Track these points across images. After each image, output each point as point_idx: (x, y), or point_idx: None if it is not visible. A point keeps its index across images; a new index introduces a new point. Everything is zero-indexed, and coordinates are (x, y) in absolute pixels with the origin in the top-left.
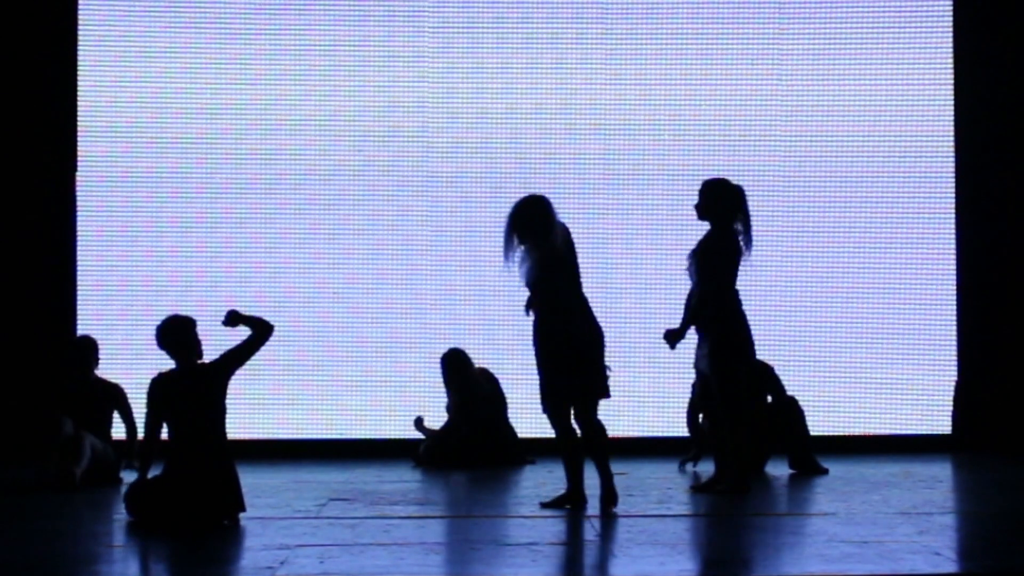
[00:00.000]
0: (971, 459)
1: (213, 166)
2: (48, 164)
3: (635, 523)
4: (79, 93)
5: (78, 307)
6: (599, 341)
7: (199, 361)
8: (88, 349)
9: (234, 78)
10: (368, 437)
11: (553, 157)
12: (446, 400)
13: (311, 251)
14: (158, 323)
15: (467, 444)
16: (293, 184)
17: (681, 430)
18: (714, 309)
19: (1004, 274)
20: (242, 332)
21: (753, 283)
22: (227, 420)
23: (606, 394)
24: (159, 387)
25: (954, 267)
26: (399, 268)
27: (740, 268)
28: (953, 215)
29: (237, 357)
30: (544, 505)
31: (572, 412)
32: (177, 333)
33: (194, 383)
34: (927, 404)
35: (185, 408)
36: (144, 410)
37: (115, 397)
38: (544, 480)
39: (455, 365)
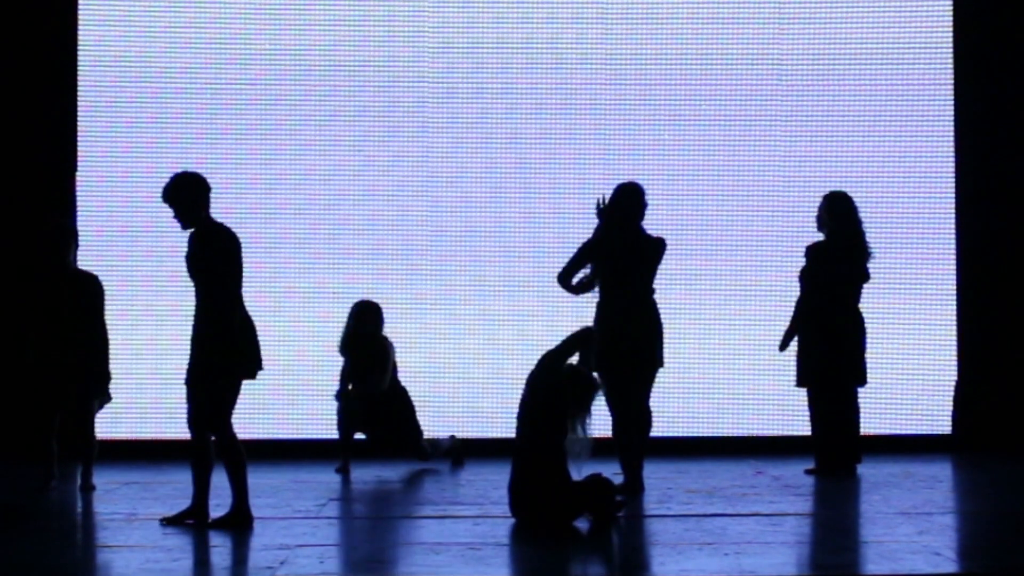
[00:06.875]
0: (971, 459)
1: (213, 166)
2: (48, 164)
3: (635, 523)
4: (79, 93)
5: None
6: None
7: None
8: (65, 234)
9: (234, 78)
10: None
11: (553, 157)
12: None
13: (311, 251)
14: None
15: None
16: (293, 184)
17: (680, 430)
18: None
19: (1004, 274)
20: None
21: (754, 283)
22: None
23: None
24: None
25: (954, 267)
26: (399, 268)
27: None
28: (953, 215)
29: None
30: None
31: None
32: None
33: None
34: (927, 404)
35: None
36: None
37: (93, 292)
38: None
39: (376, 318)
